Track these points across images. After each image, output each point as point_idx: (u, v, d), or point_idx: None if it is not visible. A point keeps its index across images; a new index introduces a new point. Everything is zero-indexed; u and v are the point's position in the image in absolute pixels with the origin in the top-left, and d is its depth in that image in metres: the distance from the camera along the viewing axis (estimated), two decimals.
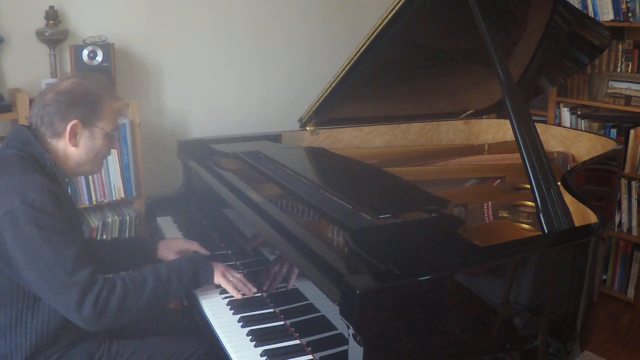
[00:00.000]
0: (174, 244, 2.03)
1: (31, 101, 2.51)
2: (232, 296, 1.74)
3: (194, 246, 2.02)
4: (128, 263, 2.16)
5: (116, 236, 2.71)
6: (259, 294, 1.76)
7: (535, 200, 1.60)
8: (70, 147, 1.67)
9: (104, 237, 2.66)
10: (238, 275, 1.77)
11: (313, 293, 1.56)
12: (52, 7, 2.66)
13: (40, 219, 1.48)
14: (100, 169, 1.80)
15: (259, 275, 1.80)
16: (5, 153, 1.63)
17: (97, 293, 1.48)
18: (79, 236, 1.59)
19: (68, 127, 1.64)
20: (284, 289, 1.70)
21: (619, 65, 3.19)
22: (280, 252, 1.66)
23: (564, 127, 3.15)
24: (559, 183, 1.69)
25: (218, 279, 1.73)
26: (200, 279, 1.71)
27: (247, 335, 1.57)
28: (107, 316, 1.49)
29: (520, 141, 1.67)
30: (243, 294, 1.73)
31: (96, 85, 1.71)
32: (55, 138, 1.66)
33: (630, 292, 3.23)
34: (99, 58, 2.70)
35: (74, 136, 1.66)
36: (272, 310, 1.68)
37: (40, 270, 1.47)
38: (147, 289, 1.57)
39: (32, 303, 1.56)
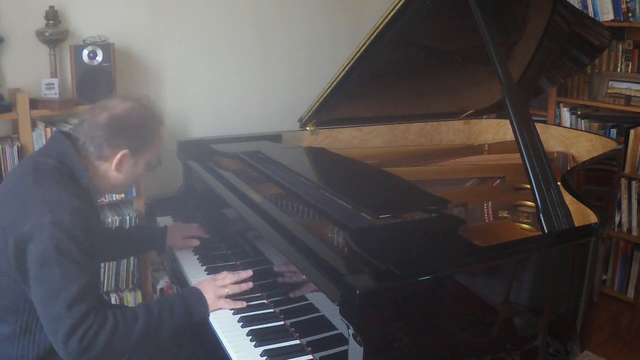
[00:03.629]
0: (179, 230, 2.14)
1: (31, 101, 2.54)
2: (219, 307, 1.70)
3: (198, 231, 2.15)
4: (134, 250, 2.23)
5: None
6: (259, 294, 1.76)
7: (535, 201, 1.60)
8: (113, 171, 1.66)
9: None
10: (227, 280, 1.71)
11: (313, 293, 1.56)
12: (52, 7, 2.66)
13: (62, 242, 1.45)
14: (129, 189, 1.79)
15: (270, 287, 1.78)
16: (43, 162, 1.60)
17: (86, 329, 1.44)
18: (93, 266, 1.55)
19: (118, 156, 1.63)
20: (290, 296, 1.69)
21: (619, 65, 3.19)
22: (281, 252, 1.66)
23: (564, 127, 3.15)
24: (559, 183, 1.69)
25: (214, 305, 1.67)
26: (194, 315, 1.65)
27: (247, 335, 1.57)
28: (91, 352, 1.44)
29: (520, 141, 1.67)
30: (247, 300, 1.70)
31: (152, 115, 1.70)
32: (100, 160, 1.65)
33: (630, 292, 3.23)
34: (99, 58, 2.70)
35: (120, 163, 1.65)
36: (272, 310, 1.68)
37: (44, 292, 1.45)
38: (137, 328, 1.51)
39: None
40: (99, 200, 2.70)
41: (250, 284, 1.73)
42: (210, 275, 1.78)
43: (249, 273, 1.74)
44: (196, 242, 2.12)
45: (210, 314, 1.67)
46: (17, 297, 1.54)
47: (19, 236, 1.47)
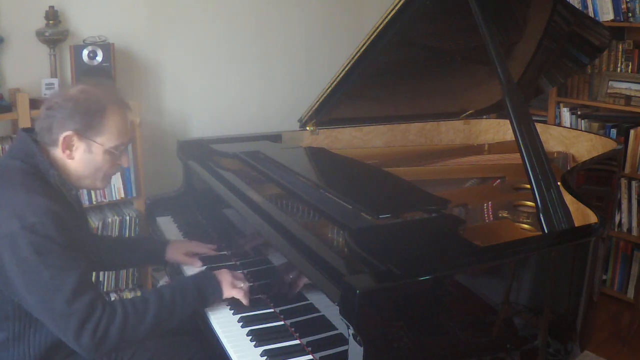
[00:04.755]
0: (181, 246, 2.05)
1: (31, 101, 2.54)
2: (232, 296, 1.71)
3: (202, 249, 2.04)
4: (133, 261, 2.18)
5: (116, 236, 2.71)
6: (260, 295, 1.76)
7: (535, 200, 1.60)
8: (66, 158, 1.59)
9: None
10: (245, 285, 1.71)
11: (313, 293, 1.55)
12: (52, 7, 2.66)
13: (40, 244, 1.42)
14: (103, 186, 1.70)
15: (270, 287, 1.77)
16: (9, 165, 1.57)
17: (96, 322, 1.41)
18: (82, 259, 1.50)
19: (60, 138, 1.56)
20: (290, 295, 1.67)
21: (619, 65, 3.19)
22: (281, 252, 1.66)
23: (564, 127, 3.15)
24: (559, 183, 1.69)
25: (228, 292, 1.65)
26: (207, 298, 1.64)
27: (247, 335, 1.57)
28: (106, 345, 1.43)
29: (520, 141, 1.67)
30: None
31: (104, 96, 1.61)
32: (53, 146, 1.59)
33: (630, 292, 3.23)
34: (99, 58, 2.70)
35: (68, 147, 1.58)
36: (272, 310, 1.68)
37: (39, 296, 1.42)
38: (149, 314, 1.49)
39: (34, 319, 1.52)
40: (99, 200, 2.72)
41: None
42: (228, 270, 1.74)
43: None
44: (198, 263, 2.00)
45: (211, 315, 1.67)
46: (4, 304, 1.52)
47: None
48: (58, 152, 1.59)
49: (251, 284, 1.81)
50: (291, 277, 1.65)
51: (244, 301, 1.67)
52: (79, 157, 1.60)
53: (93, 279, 2.66)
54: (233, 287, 1.66)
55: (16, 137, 1.67)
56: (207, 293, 1.64)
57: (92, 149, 1.60)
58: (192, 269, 1.99)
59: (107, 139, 1.60)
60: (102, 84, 1.71)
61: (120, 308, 1.47)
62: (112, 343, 1.44)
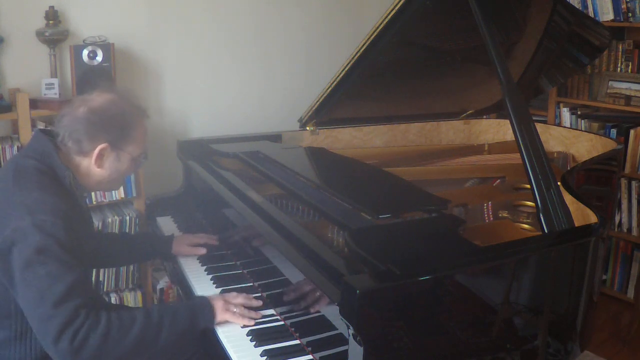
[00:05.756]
0: (186, 238, 2.11)
1: (31, 101, 2.54)
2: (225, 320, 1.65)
3: (204, 239, 2.10)
4: (140, 256, 2.20)
5: None
6: (260, 294, 1.76)
7: (535, 200, 1.60)
8: (95, 167, 1.63)
9: None
10: (239, 300, 1.67)
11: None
12: (52, 7, 2.66)
13: (44, 243, 1.42)
14: (119, 187, 1.74)
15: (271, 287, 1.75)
16: (24, 164, 1.58)
17: (77, 328, 1.39)
18: (80, 265, 1.50)
19: (96, 150, 1.60)
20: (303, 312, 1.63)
21: (619, 65, 3.19)
22: (280, 252, 1.66)
23: (564, 127, 3.15)
24: (559, 183, 1.69)
25: (221, 316, 1.61)
26: (198, 322, 1.58)
27: (247, 335, 1.57)
28: (84, 353, 1.39)
29: (520, 141, 1.67)
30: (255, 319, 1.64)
31: (132, 107, 1.66)
32: (81, 156, 1.62)
33: (630, 292, 3.23)
34: (99, 58, 2.70)
35: (100, 158, 1.61)
36: (272, 310, 1.68)
37: (31, 292, 1.42)
38: (133, 331, 1.45)
39: None
40: (100, 200, 2.72)
41: (259, 314, 1.66)
42: (221, 294, 1.72)
43: (259, 303, 1.68)
44: (203, 250, 2.07)
45: None
46: (8, 302, 1.52)
47: (2, 241, 1.45)
48: (85, 161, 1.63)
49: (251, 284, 1.81)
50: (292, 280, 1.65)
51: (244, 323, 1.62)
52: (107, 165, 1.65)
53: (93, 278, 2.69)
54: (226, 311, 1.63)
55: (33, 137, 1.68)
56: (199, 319, 1.60)
57: (121, 158, 1.65)
58: (192, 270, 1.99)
59: (135, 148, 1.67)
60: (126, 92, 1.72)
61: (105, 319, 1.44)
62: (90, 352, 1.40)
